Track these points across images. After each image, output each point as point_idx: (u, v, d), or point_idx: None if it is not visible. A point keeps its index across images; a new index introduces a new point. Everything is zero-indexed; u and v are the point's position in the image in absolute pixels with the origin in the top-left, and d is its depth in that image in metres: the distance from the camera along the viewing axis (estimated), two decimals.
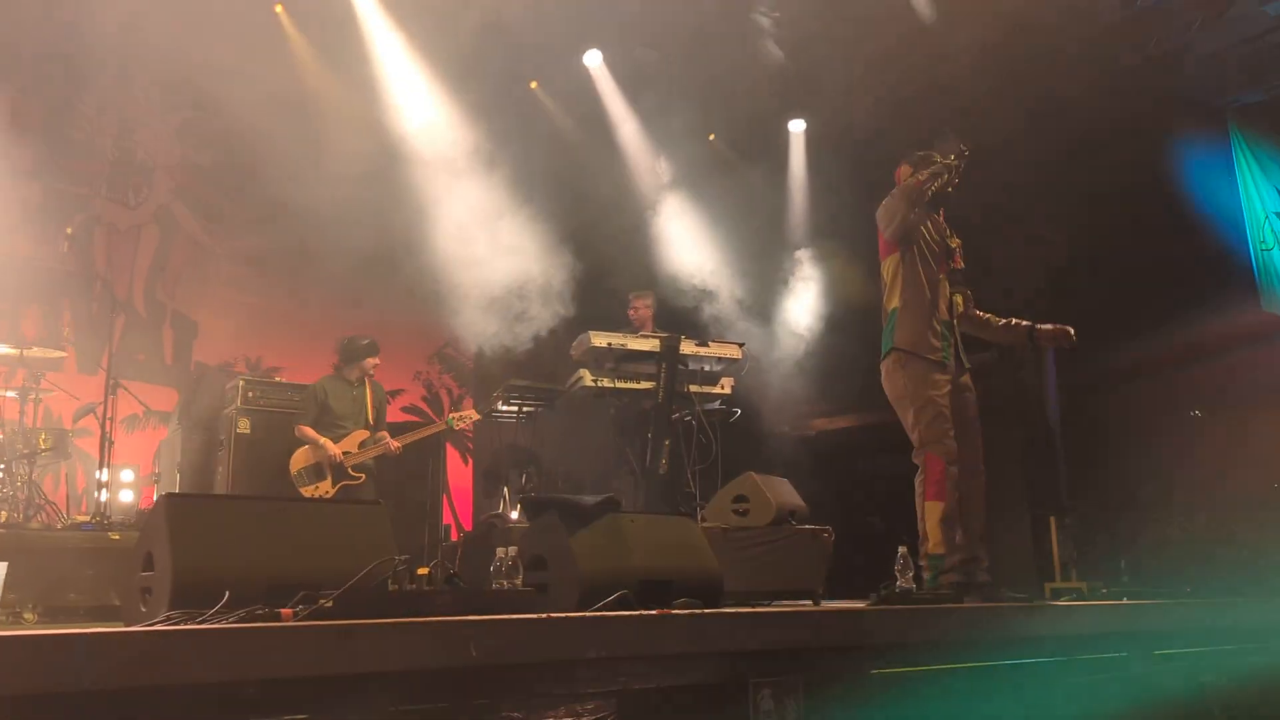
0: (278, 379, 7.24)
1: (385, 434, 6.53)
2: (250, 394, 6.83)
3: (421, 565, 3.55)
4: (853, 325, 8.44)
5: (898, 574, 4.10)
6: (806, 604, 5.19)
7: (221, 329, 9.21)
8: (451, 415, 6.62)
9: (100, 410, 6.60)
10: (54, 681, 2.02)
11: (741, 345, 6.37)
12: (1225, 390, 7.99)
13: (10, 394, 6.41)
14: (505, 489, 6.56)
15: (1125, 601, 4.73)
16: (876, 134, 8.50)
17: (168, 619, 2.42)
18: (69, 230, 6.89)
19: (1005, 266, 7.64)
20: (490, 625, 2.58)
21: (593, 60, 9.05)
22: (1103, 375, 7.88)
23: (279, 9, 8.63)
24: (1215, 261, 9.27)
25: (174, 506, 2.74)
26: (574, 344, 6.31)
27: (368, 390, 6.61)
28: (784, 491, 5.90)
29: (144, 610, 2.71)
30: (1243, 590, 5.00)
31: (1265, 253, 10.98)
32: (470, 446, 9.89)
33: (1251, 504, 6.47)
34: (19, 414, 6.38)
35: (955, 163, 4.64)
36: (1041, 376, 7.45)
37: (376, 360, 6.64)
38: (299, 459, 6.32)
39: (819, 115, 9.53)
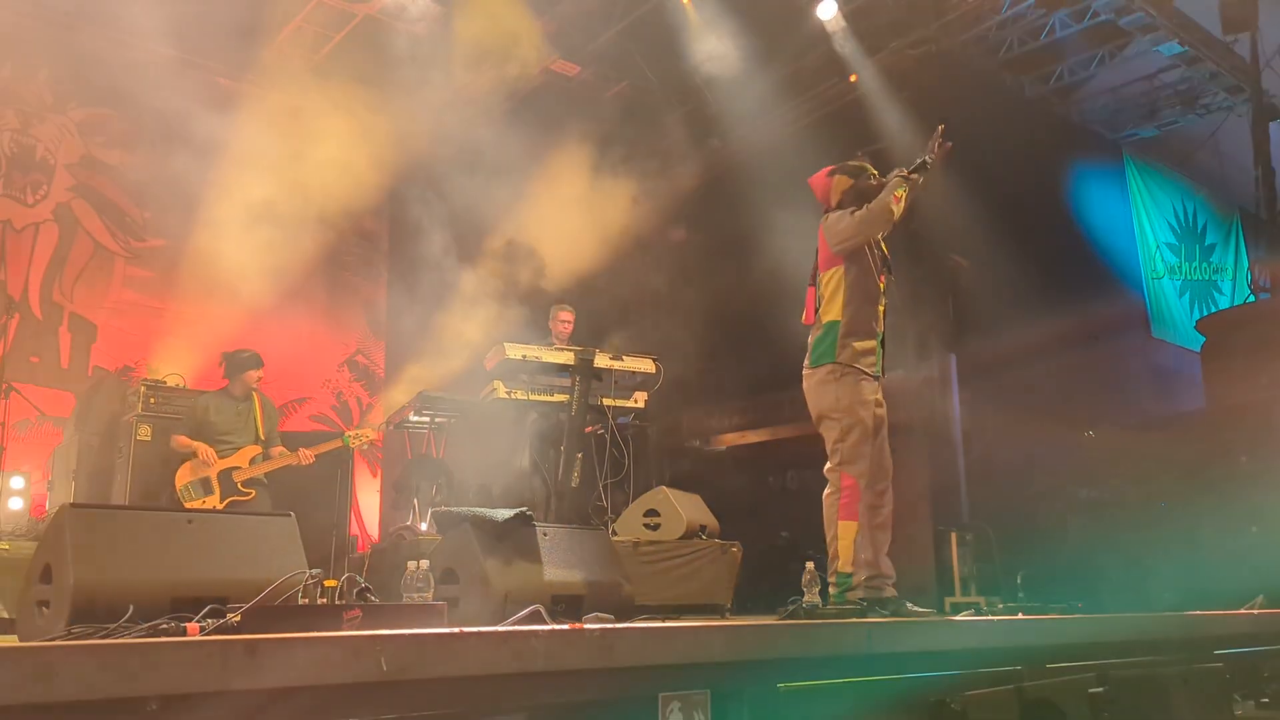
0: (180, 385, 7.03)
1: (281, 448, 6.38)
2: (151, 400, 6.63)
3: (329, 578, 3.51)
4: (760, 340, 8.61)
5: (804, 589, 4.19)
6: (715, 618, 5.26)
7: (122, 332, 8.94)
8: (348, 433, 6.49)
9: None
10: None
11: (656, 359, 6.43)
12: (1115, 411, 8.36)
13: None
14: (415, 501, 6.49)
15: (1020, 616, 4.91)
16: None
17: (68, 633, 2.35)
18: None
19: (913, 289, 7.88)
20: (401, 640, 2.56)
21: None
22: (1001, 395, 8.16)
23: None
24: (1109, 287, 9.70)
25: (75, 517, 2.67)
26: (488, 355, 6.28)
27: (256, 404, 6.45)
28: (694, 506, 5.98)
29: (41, 624, 2.63)
30: (1127, 602, 5.24)
31: (1156, 281, 11.55)
32: (380, 457, 9.75)
33: (1136, 520, 6.79)
34: None
35: (931, 159, 4.65)
36: (947, 392, 7.69)
37: (259, 373, 6.44)
38: (184, 473, 6.14)
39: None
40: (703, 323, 8.64)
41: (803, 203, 8.55)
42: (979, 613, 5.38)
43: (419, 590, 3.39)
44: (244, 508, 6.02)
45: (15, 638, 3.00)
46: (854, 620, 3.94)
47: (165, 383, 6.91)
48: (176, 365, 8.07)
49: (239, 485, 6.10)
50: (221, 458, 6.16)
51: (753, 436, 8.94)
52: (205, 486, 6.07)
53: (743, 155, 9.51)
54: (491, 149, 7.81)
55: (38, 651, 2.07)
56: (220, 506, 5.99)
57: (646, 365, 6.38)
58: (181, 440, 6.17)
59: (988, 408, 8.09)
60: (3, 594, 5.06)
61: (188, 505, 5.98)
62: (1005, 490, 7.89)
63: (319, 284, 9.39)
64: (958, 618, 4.64)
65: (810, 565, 4.22)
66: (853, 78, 8.77)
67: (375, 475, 9.77)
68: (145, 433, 6.46)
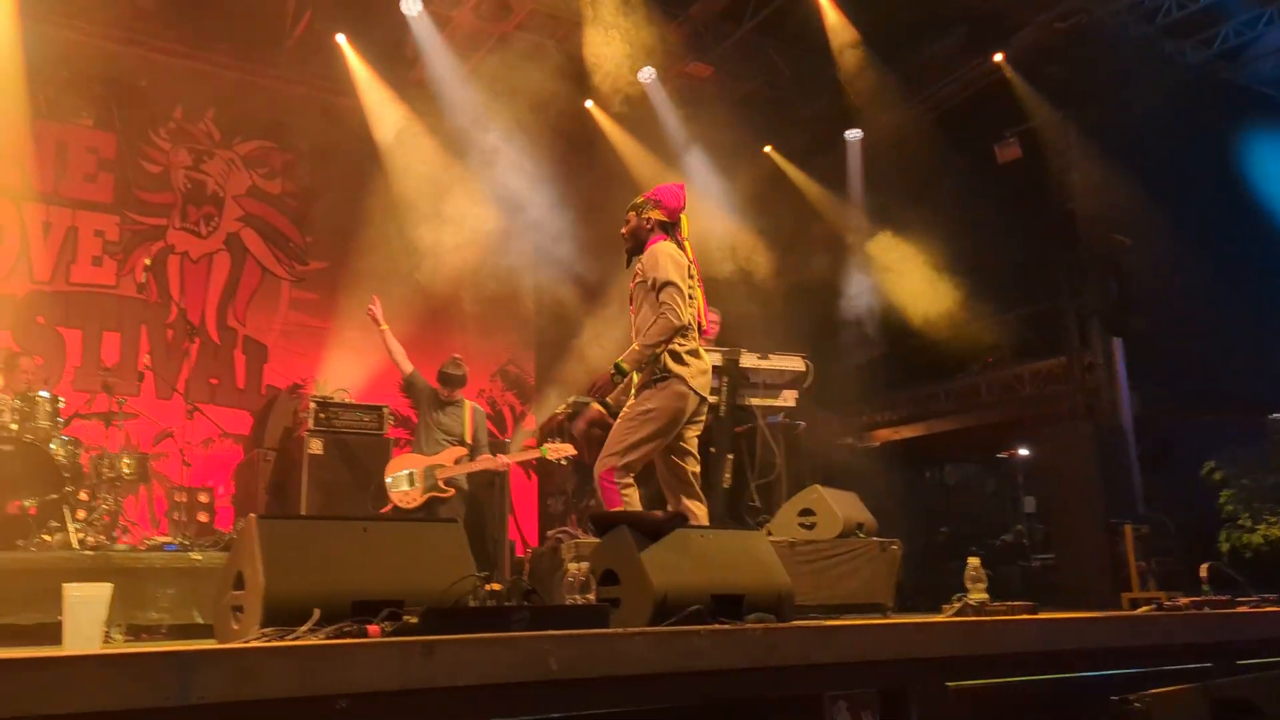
0: (346, 400, 7.38)
1: (486, 454, 6.59)
2: (321, 415, 6.98)
3: (493, 581, 3.61)
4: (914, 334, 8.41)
5: (969, 584, 4.06)
6: (877, 617, 5.17)
7: (291, 352, 9.46)
8: (546, 445, 6.64)
9: (178, 434, 6.82)
10: (159, 696, 2.10)
11: (805, 357, 6.36)
12: None
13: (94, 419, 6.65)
14: (571, 505, 6.61)
15: (1206, 611, 4.63)
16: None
17: (262, 636, 2.50)
18: (146, 260, 7.15)
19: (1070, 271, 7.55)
20: (569, 640, 2.62)
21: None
22: (1175, 378, 7.72)
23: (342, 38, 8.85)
24: None
25: (264, 527, 2.83)
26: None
27: (466, 410, 6.70)
28: (850, 504, 5.89)
29: (236, 628, 2.80)
30: None
31: None
32: (534, 463, 9.98)
33: None
34: (103, 439, 6.60)
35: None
36: (1114, 377, 7.33)
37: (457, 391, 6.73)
38: (396, 464, 6.41)
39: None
40: (849, 319, 8.51)
41: (946, 191, 8.35)
42: (1160, 609, 5.10)
43: (580, 592, 3.46)
44: (439, 505, 6.25)
45: (214, 641, 3.22)
46: (1025, 616, 3.79)
47: (333, 398, 7.27)
48: (342, 381, 8.49)
49: (440, 483, 6.33)
50: (429, 454, 6.40)
51: (906, 431, 8.73)
52: (410, 479, 6.32)
53: (883, 146, 9.32)
54: (627, 154, 7.91)
55: (240, 653, 2.21)
56: (420, 500, 6.24)
57: (795, 363, 6.32)
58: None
59: (1161, 392, 7.66)
60: (198, 601, 5.40)
61: (391, 494, 6.25)
62: (1183, 479, 7.45)
63: (468, 297, 9.68)
64: (1136, 612, 4.42)
65: (975, 561, 4.09)
66: (998, 57, 8.46)
67: (530, 480, 10.00)
68: (317, 446, 6.81)
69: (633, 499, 4.43)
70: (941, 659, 3.25)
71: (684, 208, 4.70)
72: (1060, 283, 7.94)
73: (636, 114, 8.55)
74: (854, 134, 9.72)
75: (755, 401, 6.25)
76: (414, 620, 2.64)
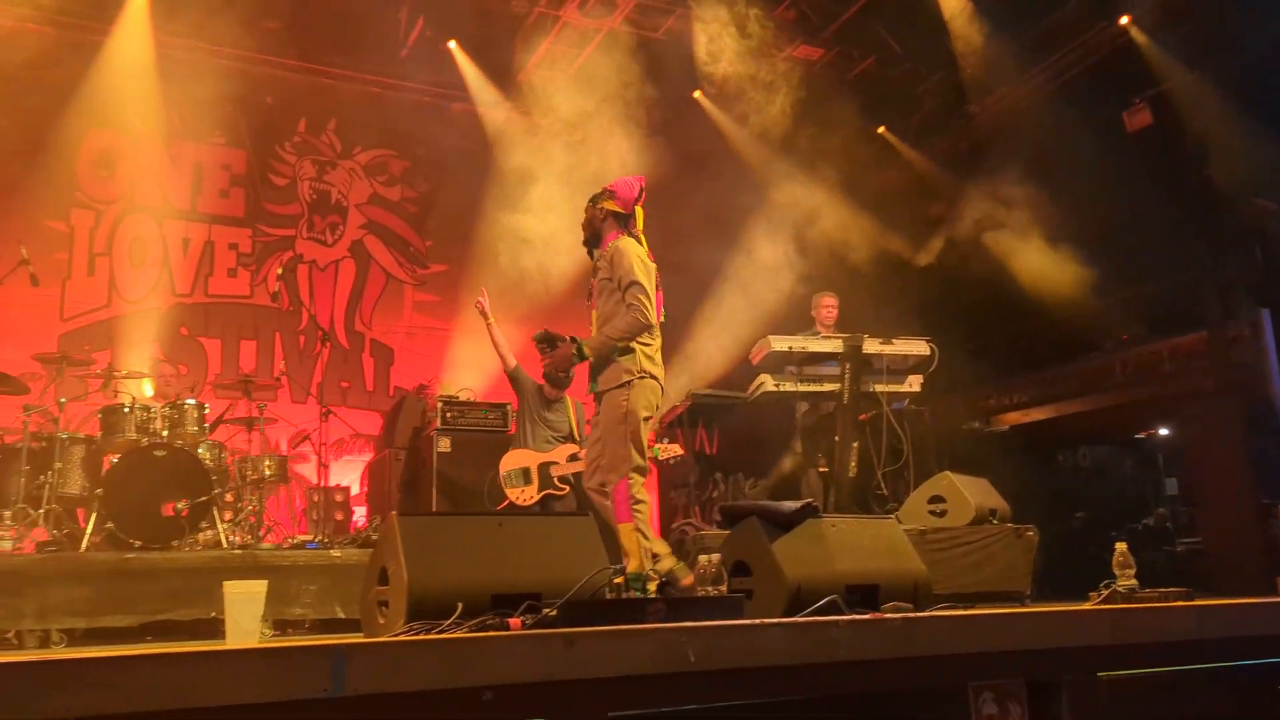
0: (471, 398, 7.55)
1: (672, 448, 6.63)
2: (448, 414, 7.15)
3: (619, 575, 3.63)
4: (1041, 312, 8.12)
5: (1117, 571, 3.90)
6: (1015, 606, 5.01)
7: (415, 354, 9.72)
8: (656, 446, 6.65)
9: (314, 436, 7.08)
10: (316, 688, 2.18)
11: (930, 340, 6.21)
12: None
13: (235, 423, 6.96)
14: (693, 498, 6.61)
15: None
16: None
17: (409, 629, 2.57)
18: (279, 270, 7.48)
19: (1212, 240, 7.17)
20: (707, 631, 2.62)
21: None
22: None
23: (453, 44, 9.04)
24: None
25: (404, 524, 2.92)
26: (753, 349, 6.31)
27: (569, 405, 6.77)
28: (982, 490, 5.73)
29: (382, 622, 2.90)
30: None
31: None
32: (653, 457, 10.03)
33: None
34: (245, 443, 6.91)
35: None
36: (1262, 354, 6.93)
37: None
38: (509, 461, 6.51)
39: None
40: (974, 298, 8.26)
41: (1073, 163, 8.01)
42: None
43: (712, 583, 3.45)
44: (555, 503, 6.32)
45: (360, 635, 3.33)
46: (1180, 604, 3.62)
47: (458, 397, 7.44)
48: (465, 380, 8.69)
49: (555, 480, 6.41)
50: (539, 451, 6.49)
51: (1036, 414, 8.43)
52: (525, 477, 6.41)
53: (1002, 119, 9.01)
54: (740, 143, 7.85)
55: (390, 646, 2.28)
56: (536, 498, 6.33)
57: (920, 348, 6.18)
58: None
59: None
60: (339, 596, 5.59)
61: (507, 491, 6.37)
62: None
63: (580, 293, 9.77)
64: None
65: (1122, 546, 3.93)
66: (1124, 19, 8.08)
67: (650, 474, 10.05)
68: (445, 444, 6.99)
69: (644, 513, 4.39)
70: (1092, 648, 3.14)
71: (640, 200, 4.69)
72: (1199, 253, 7.54)
73: (746, 101, 8.47)
74: (971, 109, 9.43)
75: (879, 388, 6.14)
76: (553, 613, 2.68)
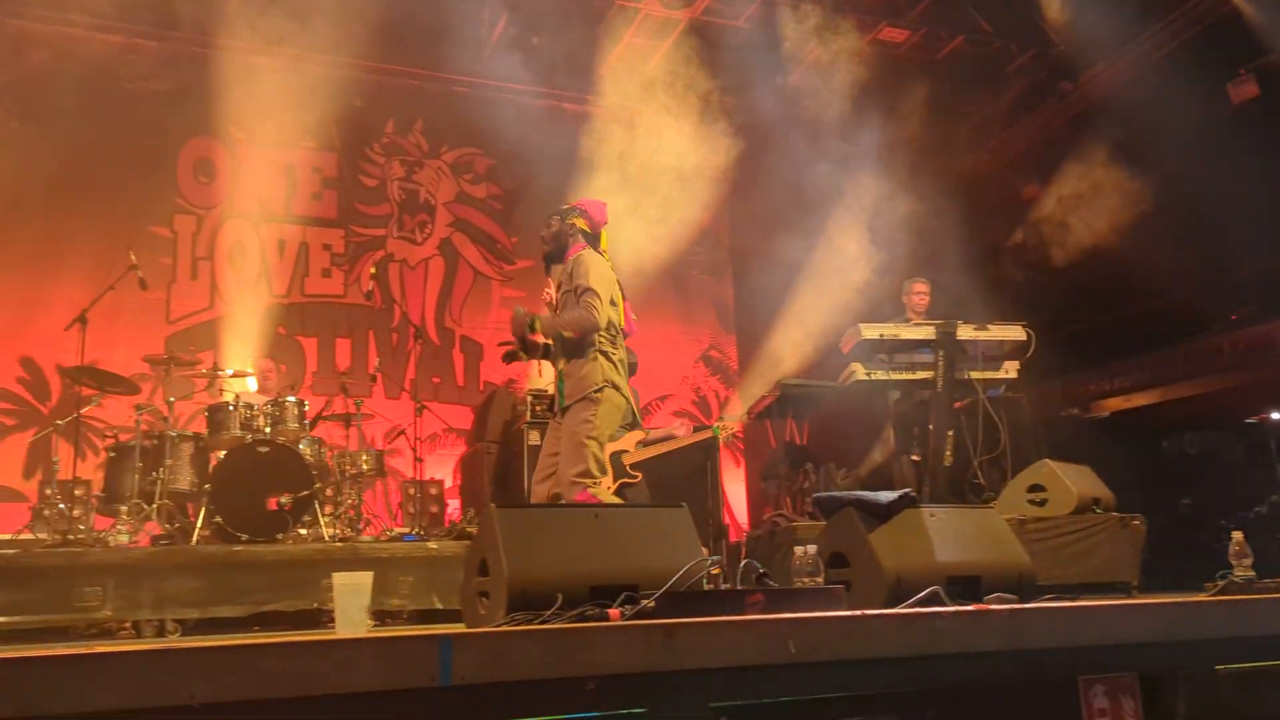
0: None
1: (671, 428, 6.64)
2: (537, 408, 7.23)
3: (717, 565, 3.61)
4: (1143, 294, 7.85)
5: (1233, 561, 3.75)
6: (1122, 597, 4.86)
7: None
8: (716, 423, 6.64)
9: (408, 431, 7.23)
10: (425, 677, 2.22)
11: (1026, 325, 6.05)
12: None
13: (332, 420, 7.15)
14: (784, 488, 6.57)
15: None
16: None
17: (511, 620, 2.61)
18: (372, 269, 7.63)
19: None
20: (809, 623, 2.60)
21: None
22: None
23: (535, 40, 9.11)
24: None
25: (503, 516, 2.96)
26: (843, 337, 6.23)
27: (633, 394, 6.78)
28: (1084, 478, 5.57)
29: (483, 613, 2.94)
30: None
31: None
32: (741, 447, 9.99)
33: None
34: (342, 438, 7.09)
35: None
36: None
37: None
38: None
39: None
40: (1071, 281, 8.03)
41: (1174, 138, 7.71)
42: None
43: (809, 574, 3.42)
44: (630, 491, 6.34)
45: (460, 625, 3.38)
46: None
47: (547, 391, 7.50)
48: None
49: (627, 468, 6.43)
50: (610, 442, 6.51)
51: (1139, 399, 8.16)
52: (600, 468, 6.43)
53: (1098, 95, 8.72)
54: (827, 131, 7.75)
55: (494, 637, 2.32)
56: (613, 488, 6.35)
57: (1016, 333, 6.03)
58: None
59: None
60: (435, 587, 5.70)
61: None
62: None
63: (669, 284, 9.80)
64: None
65: (1239, 535, 3.78)
66: None
67: (739, 466, 10.02)
68: (536, 437, 7.06)
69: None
70: (1209, 641, 3.02)
71: (607, 224, 4.85)
72: None
73: (830, 87, 8.36)
74: (1065, 86, 9.15)
75: (974, 375, 6.01)
76: (651, 604, 2.69)
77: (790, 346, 8.62)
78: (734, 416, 6.79)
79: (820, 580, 3.38)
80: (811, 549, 3.42)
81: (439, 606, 5.61)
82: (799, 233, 8.32)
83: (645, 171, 8.24)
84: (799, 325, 8.61)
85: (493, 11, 9.01)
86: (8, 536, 6.21)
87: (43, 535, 5.83)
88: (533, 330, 4.68)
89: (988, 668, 2.85)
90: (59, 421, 6.61)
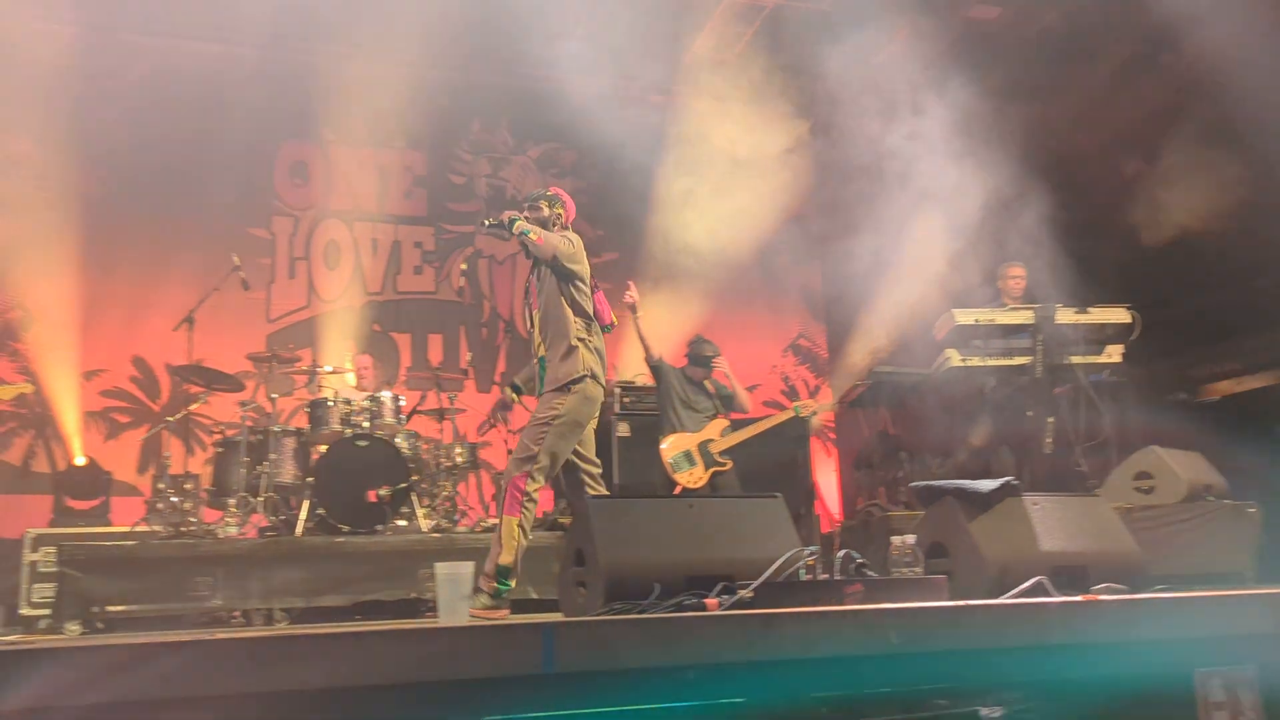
0: (648, 383, 7.63)
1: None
2: (626, 400, 7.26)
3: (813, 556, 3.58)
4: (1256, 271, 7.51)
5: None
6: (1237, 587, 4.67)
7: None
8: (798, 403, 6.55)
9: (499, 424, 7.33)
10: (528, 665, 2.26)
11: (1130, 308, 5.85)
12: None
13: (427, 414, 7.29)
14: (879, 477, 6.48)
15: None
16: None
17: (609, 609, 2.63)
18: (462, 266, 7.78)
19: None
20: (909, 613, 2.56)
21: None
22: None
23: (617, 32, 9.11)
24: None
25: (598, 507, 2.99)
26: (937, 323, 6.11)
27: (710, 389, 6.76)
28: (1194, 465, 5.38)
29: (581, 602, 2.97)
30: None
31: None
32: (833, 436, 9.88)
33: None
34: (437, 432, 7.23)
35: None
36: None
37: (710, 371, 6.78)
38: (669, 448, 6.55)
39: None
40: (1175, 260, 7.70)
41: (1274, 112, 7.34)
42: None
43: (907, 565, 3.37)
44: (722, 480, 6.33)
45: (558, 615, 3.43)
46: None
47: (635, 382, 7.54)
48: (641, 365, 8.79)
49: (716, 456, 6.43)
50: (694, 431, 6.52)
51: (1252, 382, 7.81)
52: (689, 459, 6.44)
53: (1201, 68, 8.35)
54: (916, 112, 7.58)
55: (595, 625, 2.34)
56: (705, 478, 6.35)
57: (1119, 315, 5.83)
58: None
59: None
60: (529, 577, 5.77)
61: (676, 477, 6.42)
62: None
63: (756, 273, 9.73)
64: None
65: None
66: None
67: (830, 455, 9.91)
68: (624, 429, 7.10)
69: (531, 511, 4.50)
70: None
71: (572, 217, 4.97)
72: None
73: (922, 69, 8.17)
74: (1167, 58, 8.78)
75: (1075, 359, 5.83)
76: (749, 594, 2.68)
77: (881, 334, 8.48)
78: (822, 405, 6.68)
79: (920, 571, 3.33)
80: (910, 539, 3.37)
81: (534, 596, 5.67)
82: (888, 217, 8.17)
83: (729, 159, 8.20)
84: (890, 312, 8.47)
85: (574, 4, 9.04)
86: (125, 529, 6.51)
87: (157, 528, 6.08)
88: (510, 231, 4.71)
89: (1097, 660, 2.77)
90: (170, 419, 6.88)
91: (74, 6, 7.87)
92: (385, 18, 8.23)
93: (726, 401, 6.67)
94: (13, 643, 4.30)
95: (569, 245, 4.63)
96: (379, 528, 6.09)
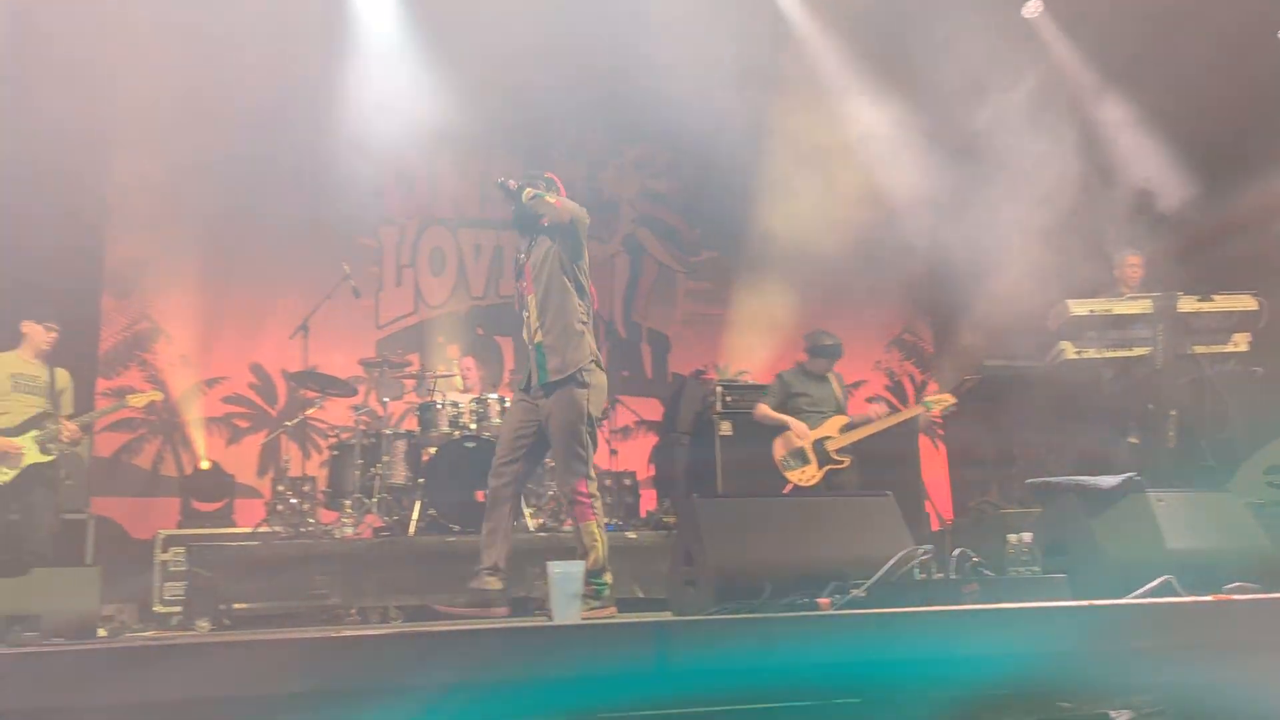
0: (749, 381, 7.60)
1: (875, 407, 6.50)
2: (728, 398, 7.23)
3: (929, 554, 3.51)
4: None
5: None
6: None
7: (690, 340, 9.92)
8: (928, 398, 6.39)
9: (601, 424, 7.39)
10: (641, 662, 2.27)
11: (1258, 295, 5.57)
12: None
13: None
14: (992, 474, 6.31)
15: None
16: None
17: (720, 608, 2.63)
18: None
19: None
20: (1030, 613, 2.49)
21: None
22: None
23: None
24: None
25: (706, 506, 2.99)
26: (1050, 314, 5.93)
27: (833, 380, 6.66)
28: None
29: (690, 600, 2.97)
30: None
31: None
32: (940, 432, 9.67)
33: None
34: None
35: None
36: None
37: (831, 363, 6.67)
38: (779, 446, 6.48)
39: None
40: None
41: None
42: None
43: (1025, 563, 3.29)
44: (838, 477, 6.23)
45: (668, 613, 3.44)
46: None
47: (737, 381, 7.51)
48: (742, 363, 8.78)
49: (832, 454, 6.32)
50: (811, 428, 6.43)
51: None
52: (802, 456, 6.35)
53: None
54: (1028, 99, 7.37)
55: (706, 624, 2.34)
56: (819, 476, 6.25)
57: (1245, 303, 5.57)
58: (762, 410, 6.54)
59: None
60: (637, 576, 5.80)
61: (787, 475, 6.34)
62: None
63: (858, 268, 9.57)
64: None
65: None
66: None
67: (938, 450, 9.70)
68: (727, 428, 7.07)
69: (600, 507, 4.31)
70: None
71: None
72: None
73: (1030, 55, 7.90)
74: None
75: (1199, 349, 5.59)
76: (862, 593, 2.65)
77: (990, 326, 8.25)
78: (950, 399, 6.45)
79: (1038, 569, 3.24)
80: (1027, 536, 3.29)
81: (640, 595, 5.69)
82: (996, 209, 7.94)
83: (827, 151, 8.10)
84: (999, 303, 8.23)
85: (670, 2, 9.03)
86: (248, 530, 6.79)
87: (278, 528, 6.31)
88: (519, 202, 4.56)
89: (1233, 660, 2.65)
90: (287, 423, 7.14)
91: (192, 33, 8.18)
92: (482, 26, 8.35)
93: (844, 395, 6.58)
94: (150, 639, 4.52)
95: (586, 214, 4.46)
96: None
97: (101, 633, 5.00)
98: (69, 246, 7.73)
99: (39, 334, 5.96)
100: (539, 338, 4.43)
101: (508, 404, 6.89)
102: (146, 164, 8.26)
